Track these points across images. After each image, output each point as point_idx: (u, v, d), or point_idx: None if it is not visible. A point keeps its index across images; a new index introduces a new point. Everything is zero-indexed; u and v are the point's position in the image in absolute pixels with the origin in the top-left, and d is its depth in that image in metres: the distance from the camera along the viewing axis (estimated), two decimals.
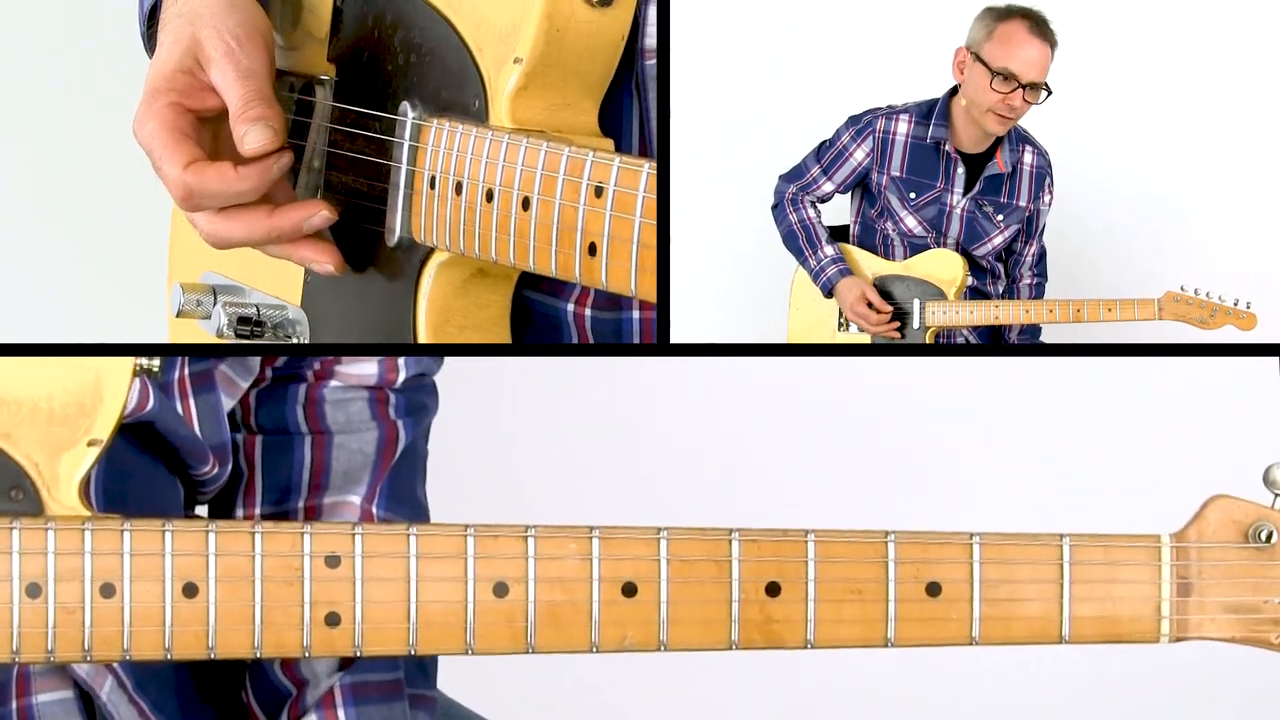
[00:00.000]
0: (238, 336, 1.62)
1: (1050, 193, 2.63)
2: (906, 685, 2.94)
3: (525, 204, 1.36)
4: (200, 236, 1.51)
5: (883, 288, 2.60)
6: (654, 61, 1.46)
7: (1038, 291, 2.68)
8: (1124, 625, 1.26)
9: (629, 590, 1.23)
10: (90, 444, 1.20)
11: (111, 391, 1.20)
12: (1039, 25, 2.45)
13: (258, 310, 1.62)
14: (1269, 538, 1.26)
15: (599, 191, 1.31)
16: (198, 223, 1.50)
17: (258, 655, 1.20)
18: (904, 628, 1.25)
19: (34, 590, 1.18)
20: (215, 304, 1.64)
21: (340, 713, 1.46)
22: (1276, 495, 1.26)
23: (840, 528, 1.25)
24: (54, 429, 1.19)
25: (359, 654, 1.21)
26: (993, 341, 2.65)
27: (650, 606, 1.23)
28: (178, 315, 1.67)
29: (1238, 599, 1.27)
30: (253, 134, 1.47)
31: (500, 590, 1.22)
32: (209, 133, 1.50)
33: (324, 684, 1.45)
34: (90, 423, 1.20)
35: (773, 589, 1.24)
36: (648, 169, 1.29)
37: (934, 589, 1.25)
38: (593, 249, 1.32)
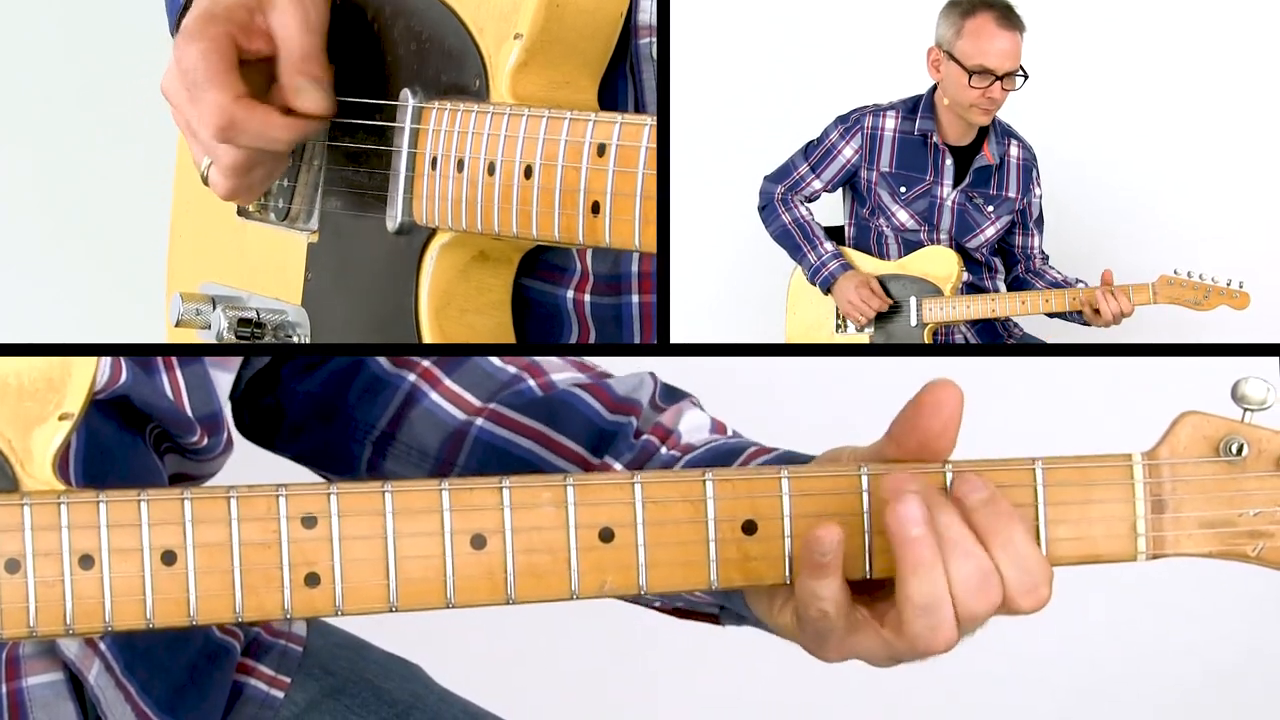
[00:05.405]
0: (238, 338, 1.62)
1: (1039, 185, 2.63)
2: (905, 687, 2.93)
3: (527, 172, 1.37)
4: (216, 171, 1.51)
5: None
6: (648, 40, 1.47)
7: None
8: (1100, 545, 1.27)
9: (606, 535, 1.23)
10: (61, 418, 1.20)
11: (79, 365, 1.21)
12: (1005, 15, 2.47)
13: (257, 313, 1.63)
14: (1240, 451, 1.26)
15: (601, 150, 1.32)
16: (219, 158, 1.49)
17: (239, 620, 1.21)
18: (882, 559, 1.25)
19: (13, 566, 1.18)
20: (214, 312, 1.65)
21: None
22: (1245, 410, 1.26)
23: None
24: (24, 404, 1.20)
25: (340, 614, 1.21)
26: (993, 336, 2.65)
27: (628, 550, 1.23)
28: (177, 324, 1.67)
29: (1212, 513, 1.27)
30: (309, 93, 1.47)
31: (478, 542, 1.22)
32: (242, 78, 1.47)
33: None
34: (60, 397, 1.21)
35: (749, 527, 1.25)
36: (649, 123, 1.30)
37: None
38: (596, 208, 1.33)
